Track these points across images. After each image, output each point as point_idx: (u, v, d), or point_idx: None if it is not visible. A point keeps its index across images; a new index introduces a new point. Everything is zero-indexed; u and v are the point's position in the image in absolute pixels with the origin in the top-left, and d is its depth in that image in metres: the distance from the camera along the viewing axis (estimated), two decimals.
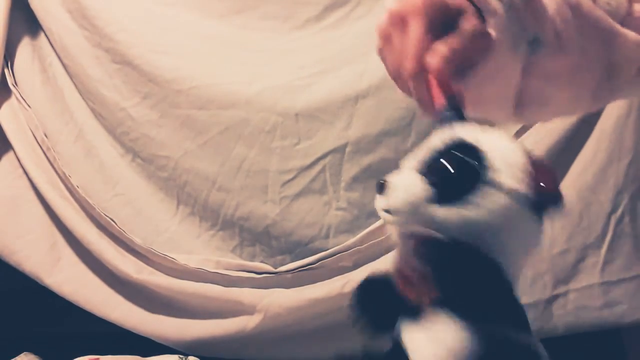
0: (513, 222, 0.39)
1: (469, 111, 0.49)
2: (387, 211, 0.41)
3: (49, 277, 1.22)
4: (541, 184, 0.39)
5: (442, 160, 0.40)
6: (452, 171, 0.39)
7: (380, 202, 0.41)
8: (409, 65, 0.46)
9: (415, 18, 0.46)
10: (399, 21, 0.47)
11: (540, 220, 0.40)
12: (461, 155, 0.40)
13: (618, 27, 0.50)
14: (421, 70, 0.46)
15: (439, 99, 0.46)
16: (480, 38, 0.46)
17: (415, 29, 0.46)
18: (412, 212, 0.40)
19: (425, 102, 0.47)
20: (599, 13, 0.49)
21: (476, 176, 0.39)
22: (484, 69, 0.48)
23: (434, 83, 0.46)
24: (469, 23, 0.46)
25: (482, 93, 0.51)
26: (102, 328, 1.20)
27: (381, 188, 0.41)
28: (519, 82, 0.50)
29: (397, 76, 0.49)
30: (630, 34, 0.50)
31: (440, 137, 0.42)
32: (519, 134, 1.07)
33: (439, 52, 0.45)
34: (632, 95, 0.54)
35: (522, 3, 0.47)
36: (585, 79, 0.51)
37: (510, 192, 0.39)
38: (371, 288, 0.46)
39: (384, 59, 0.50)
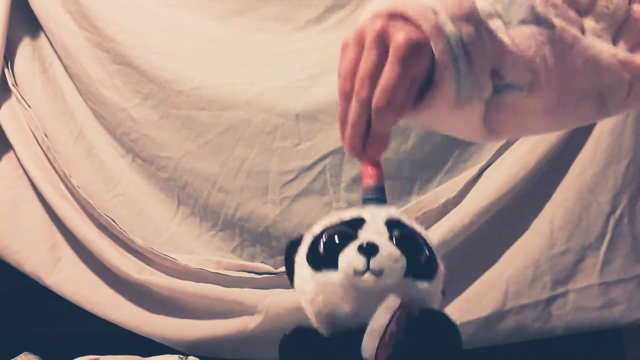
0: None
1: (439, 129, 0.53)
2: (373, 272, 0.44)
3: (49, 277, 1.22)
4: None
5: (418, 239, 0.47)
6: (428, 253, 0.47)
7: (363, 262, 0.44)
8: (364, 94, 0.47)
9: (394, 59, 0.46)
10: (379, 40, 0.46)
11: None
12: (429, 242, 0.48)
13: (603, 49, 0.49)
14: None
15: (368, 177, 0.50)
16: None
17: (392, 70, 0.46)
18: (399, 279, 0.45)
19: (353, 147, 0.49)
20: (587, 42, 0.48)
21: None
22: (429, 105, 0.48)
23: (368, 160, 0.50)
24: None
25: (447, 123, 0.52)
26: (102, 328, 1.20)
27: (370, 250, 0.44)
28: (484, 116, 0.50)
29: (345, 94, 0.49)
30: (618, 54, 0.50)
31: (389, 213, 0.48)
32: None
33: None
34: (628, 111, 0.54)
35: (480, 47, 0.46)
36: (567, 111, 0.51)
37: None
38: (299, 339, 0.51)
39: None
